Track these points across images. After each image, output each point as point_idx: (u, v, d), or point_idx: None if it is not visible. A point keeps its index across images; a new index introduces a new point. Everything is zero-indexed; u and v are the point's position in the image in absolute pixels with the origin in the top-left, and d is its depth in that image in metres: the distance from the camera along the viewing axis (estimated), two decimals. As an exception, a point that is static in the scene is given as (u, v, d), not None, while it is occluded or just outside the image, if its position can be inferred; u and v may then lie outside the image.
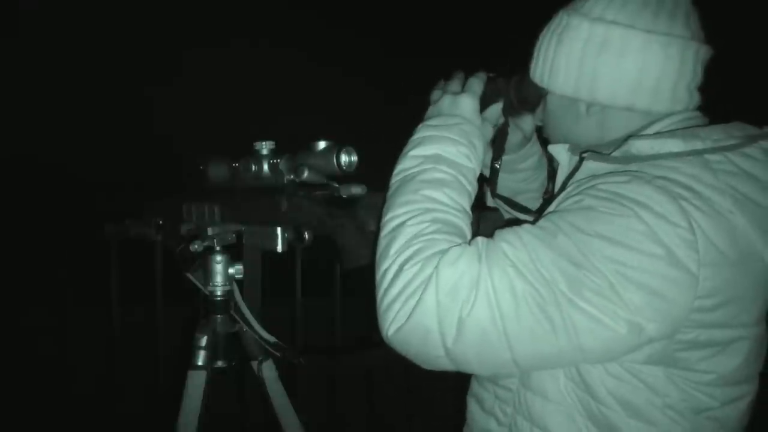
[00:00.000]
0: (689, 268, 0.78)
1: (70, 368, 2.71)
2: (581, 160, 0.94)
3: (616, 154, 0.91)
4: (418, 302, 0.79)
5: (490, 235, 0.86)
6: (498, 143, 1.14)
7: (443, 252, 0.81)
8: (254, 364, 1.43)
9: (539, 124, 1.13)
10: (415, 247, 0.83)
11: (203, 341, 1.32)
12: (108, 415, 2.61)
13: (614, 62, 0.92)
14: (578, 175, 0.94)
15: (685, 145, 0.86)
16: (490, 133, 1.09)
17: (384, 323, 0.82)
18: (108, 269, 2.52)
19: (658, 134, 0.91)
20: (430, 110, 1.05)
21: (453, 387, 0.82)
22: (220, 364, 1.34)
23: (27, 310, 3.13)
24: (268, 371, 1.43)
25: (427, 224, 0.86)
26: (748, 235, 0.83)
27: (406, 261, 0.82)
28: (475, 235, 0.92)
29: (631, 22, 0.91)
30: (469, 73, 1.08)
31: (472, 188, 0.95)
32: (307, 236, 1.19)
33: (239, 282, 1.32)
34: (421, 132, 0.99)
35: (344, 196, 1.11)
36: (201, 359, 1.32)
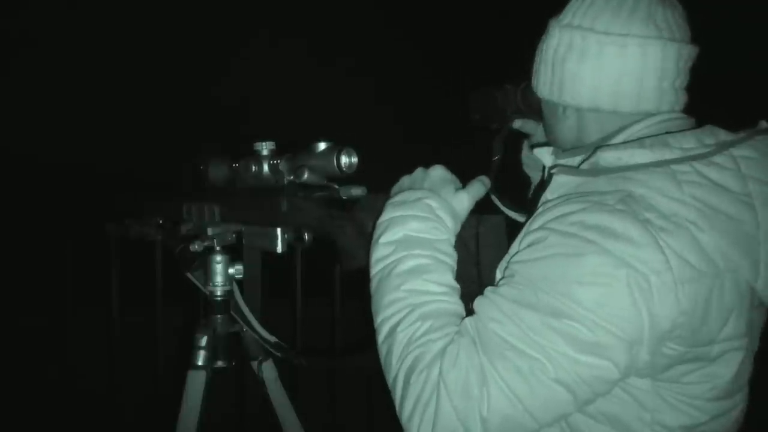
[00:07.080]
0: (666, 288, 0.78)
1: (70, 368, 2.71)
2: (551, 175, 0.95)
3: (584, 166, 0.90)
4: (436, 412, 0.79)
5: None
6: (494, 176, 1.20)
7: (442, 353, 0.82)
8: (254, 364, 1.43)
9: None
10: (414, 354, 0.83)
11: (203, 341, 1.32)
12: (108, 415, 2.61)
13: (576, 65, 0.94)
14: (548, 194, 0.95)
15: (653, 155, 0.85)
16: (466, 203, 0.99)
17: None
18: (108, 269, 2.52)
19: (627, 143, 0.89)
20: (401, 181, 1.05)
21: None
22: (220, 364, 1.34)
23: (27, 310, 3.13)
24: (268, 371, 1.43)
25: (417, 324, 0.85)
26: (719, 247, 0.81)
27: (410, 372, 0.83)
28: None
29: (592, 25, 0.93)
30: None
31: (451, 259, 0.93)
32: (307, 237, 1.19)
33: (239, 282, 1.32)
34: (386, 213, 0.96)
35: (344, 198, 1.11)
36: (201, 359, 1.32)
